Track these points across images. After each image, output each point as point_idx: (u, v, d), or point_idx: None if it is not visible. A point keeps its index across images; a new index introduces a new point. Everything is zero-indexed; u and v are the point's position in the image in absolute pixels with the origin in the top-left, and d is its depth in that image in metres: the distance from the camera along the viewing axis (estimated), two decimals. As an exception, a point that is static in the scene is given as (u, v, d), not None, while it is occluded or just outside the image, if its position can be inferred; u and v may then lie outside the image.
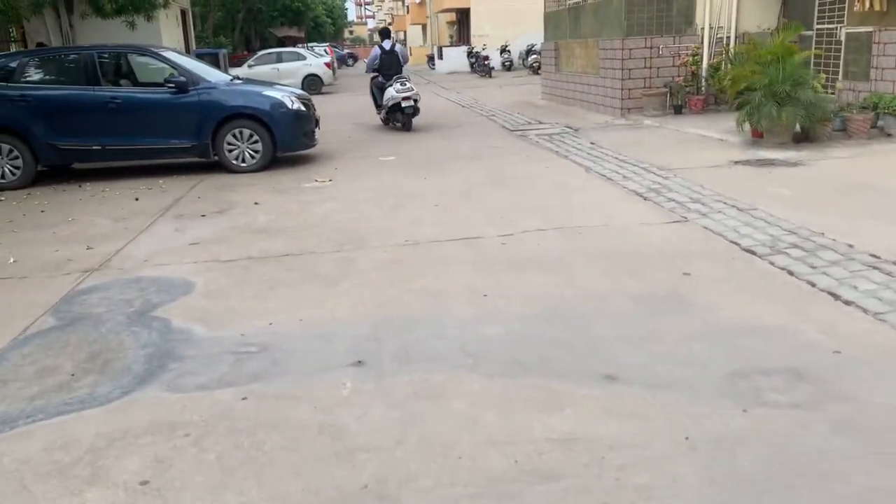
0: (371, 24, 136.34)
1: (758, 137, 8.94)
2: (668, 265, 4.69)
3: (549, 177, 7.78)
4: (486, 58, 29.41)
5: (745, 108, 8.75)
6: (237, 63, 25.68)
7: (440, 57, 36.89)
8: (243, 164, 8.98)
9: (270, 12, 31.74)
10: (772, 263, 4.61)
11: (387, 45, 12.64)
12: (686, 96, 12.12)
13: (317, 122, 9.64)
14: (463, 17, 40.20)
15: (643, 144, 9.56)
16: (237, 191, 7.90)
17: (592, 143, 9.86)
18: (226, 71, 20.49)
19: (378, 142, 11.36)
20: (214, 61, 18.65)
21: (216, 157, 8.93)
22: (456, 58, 34.86)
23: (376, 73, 12.66)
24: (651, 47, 12.42)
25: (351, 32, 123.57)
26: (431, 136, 11.73)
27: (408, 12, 59.99)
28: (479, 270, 4.75)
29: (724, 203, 6.10)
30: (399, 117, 12.28)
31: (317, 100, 19.88)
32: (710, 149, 8.87)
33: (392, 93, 12.00)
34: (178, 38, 18.80)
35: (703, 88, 12.14)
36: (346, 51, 63.58)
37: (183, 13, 20.13)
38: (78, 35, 13.72)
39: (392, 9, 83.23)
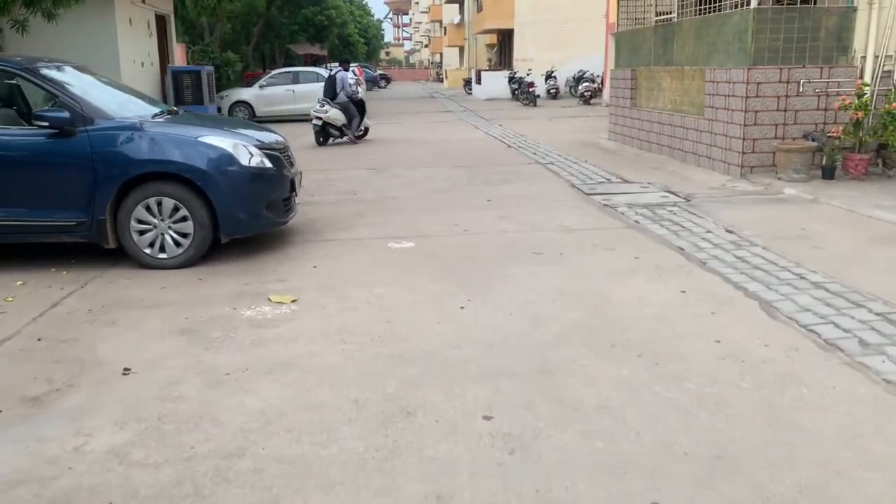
0: (408, 45, 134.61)
1: None
2: None
3: (698, 322, 4.10)
4: (531, 84, 25.87)
5: None
6: (250, 83, 22.47)
7: (478, 81, 33.57)
8: (162, 256, 5.45)
9: (290, 26, 28.35)
10: None
11: (332, 71, 14.63)
12: (841, 153, 8.38)
13: (293, 186, 6.08)
14: (505, 38, 36.88)
15: (818, 240, 5.83)
16: (121, 323, 4.33)
17: (730, 232, 6.17)
18: (210, 95, 17.16)
19: (394, 206, 7.78)
20: (196, 80, 15.33)
21: (119, 242, 5.43)
22: (496, 83, 31.45)
23: None
24: (788, 82, 8.72)
25: (388, 53, 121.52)
26: (471, 198, 8.12)
27: (445, 34, 57.05)
28: None
29: None
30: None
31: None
32: (959, 262, 5.12)
33: (312, 110, 14.17)
34: (151, 49, 15.27)
35: (867, 144, 8.39)
36: (378, 72, 60.57)
37: (162, 20, 16.61)
38: (9, 43, 10.42)
39: (429, 30, 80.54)
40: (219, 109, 20.40)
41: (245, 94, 21.16)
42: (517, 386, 3.35)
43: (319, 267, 5.43)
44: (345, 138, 14.04)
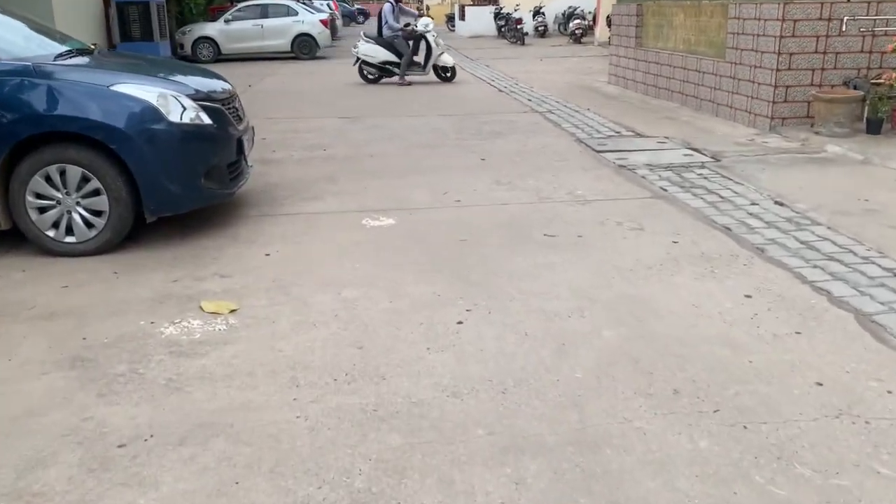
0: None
1: None
2: None
3: (781, 348, 3.01)
4: (519, 21, 24.25)
5: None
6: (215, 17, 20.64)
7: (462, 17, 31.78)
8: (70, 240, 4.24)
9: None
10: None
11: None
12: (889, 104, 7.23)
13: (241, 147, 4.83)
14: (490, -29, 34.76)
15: (892, 217, 4.74)
16: (-11, 347, 3.17)
17: (780, 204, 5.06)
18: (161, 30, 15.39)
19: (371, 167, 6.56)
20: (145, 13, 13.70)
21: (14, 223, 4.22)
22: (480, 19, 29.68)
23: None
24: (829, 19, 7.49)
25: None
26: (461, 156, 6.92)
27: (426, -34, 54.23)
28: None
29: None
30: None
31: (306, 67, 15.11)
32: None
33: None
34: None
35: (921, 92, 7.24)
36: (356, 6, 57.76)
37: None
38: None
39: (409, -38, 76.98)
40: (180, 46, 18.74)
41: (209, 29, 19.44)
42: (548, 471, 2.26)
43: (273, 255, 4.26)
44: (394, 77, 12.78)
